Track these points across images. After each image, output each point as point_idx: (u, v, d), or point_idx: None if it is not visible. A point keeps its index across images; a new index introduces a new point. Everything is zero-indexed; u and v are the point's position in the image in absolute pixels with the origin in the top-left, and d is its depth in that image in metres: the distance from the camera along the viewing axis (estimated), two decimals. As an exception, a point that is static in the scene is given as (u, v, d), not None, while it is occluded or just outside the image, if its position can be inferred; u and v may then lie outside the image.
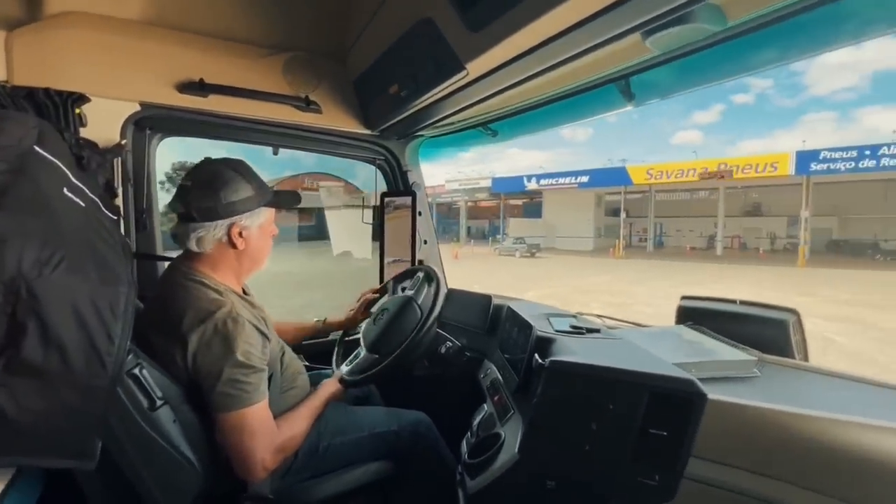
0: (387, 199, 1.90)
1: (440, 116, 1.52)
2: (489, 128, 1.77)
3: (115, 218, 1.09)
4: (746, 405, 0.75)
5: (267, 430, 0.97)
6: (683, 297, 1.26)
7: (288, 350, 1.24)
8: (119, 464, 0.83)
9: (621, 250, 24.41)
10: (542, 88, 1.36)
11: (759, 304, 1.13)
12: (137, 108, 1.37)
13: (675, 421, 0.77)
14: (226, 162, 1.05)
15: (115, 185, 1.34)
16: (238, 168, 1.05)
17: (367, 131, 1.76)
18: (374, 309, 1.50)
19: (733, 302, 1.17)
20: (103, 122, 1.33)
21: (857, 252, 23.45)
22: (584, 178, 25.66)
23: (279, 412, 1.09)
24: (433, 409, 1.42)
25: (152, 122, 1.42)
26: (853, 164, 18.42)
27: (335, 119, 1.69)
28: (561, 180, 26.87)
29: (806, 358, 1.05)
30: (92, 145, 1.15)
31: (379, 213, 1.92)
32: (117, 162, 1.35)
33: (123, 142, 1.34)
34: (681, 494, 0.75)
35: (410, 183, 1.90)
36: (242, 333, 0.95)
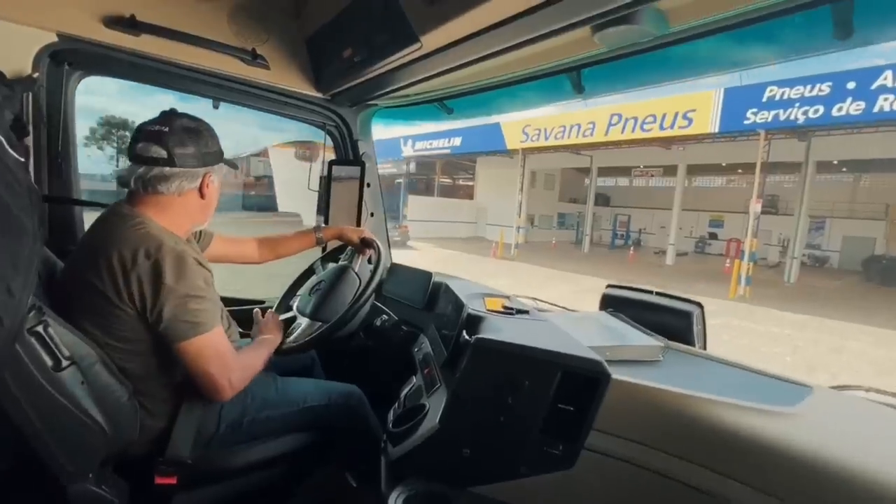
0: (334, 168, 1.85)
1: (394, 87, 1.48)
2: (445, 104, 1.76)
3: (22, 160, 0.99)
4: (645, 386, 0.83)
5: (228, 352, 1.01)
6: (608, 286, 1.35)
7: (227, 315, 1.21)
8: (18, 426, 0.78)
9: (510, 250, 17.93)
10: (498, 70, 1.37)
11: (670, 296, 1.24)
12: (54, 38, 1.22)
13: (581, 397, 0.84)
14: (194, 117, 1.07)
15: (26, 123, 1.21)
16: (207, 124, 1.09)
17: (319, 94, 1.69)
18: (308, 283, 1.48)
19: (650, 292, 1.28)
20: (13, 52, 1.18)
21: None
22: (458, 141, 19.55)
23: None
24: (370, 382, 1.44)
25: (72, 56, 1.28)
26: (823, 108, 10.05)
27: (284, 77, 1.61)
28: (434, 143, 20.75)
29: (705, 346, 1.17)
30: None
31: (326, 182, 1.87)
32: (27, 98, 1.22)
33: (35, 75, 1.20)
34: (580, 463, 0.83)
35: (360, 153, 1.86)
36: (191, 266, 0.97)
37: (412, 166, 26.37)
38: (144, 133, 1.00)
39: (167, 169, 1.00)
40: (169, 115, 1.04)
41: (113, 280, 0.92)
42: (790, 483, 0.67)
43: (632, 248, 21.95)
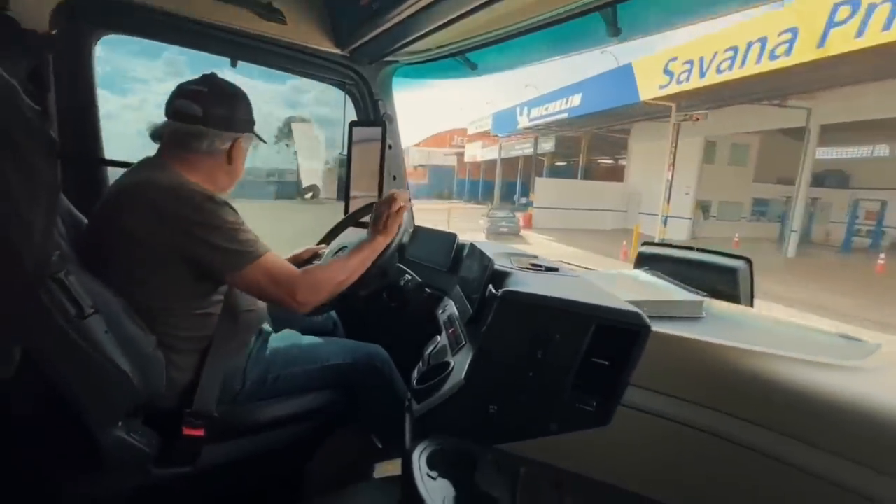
0: (355, 129, 1.80)
1: (414, 36, 1.40)
2: (468, 59, 1.67)
3: (38, 108, 0.98)
4: (687, 338, 0.76)
5: (288, 272, 1.00)
6: (644, 244, 1.26)
7: None
8: (44, 372, 0.79)
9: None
10: (523, 13, 1.27)
11: (713, 252, 1.14)
12: None
13: (618, 351, 0.78)
14: (233, 84, 1.09)
15: (47, 79, 1.20)
16: (244, 94, 1.11)
17: (337, 51, 1.63)
18: (332, 245, 1.47)
19: (691, 249, 1.18)
20: (29, 9, 1.17)
21: None
22: (576, 100, 14.42)
23: (236, 335, 1.07)
24: (392, 343, 1.42)
25: (88, 13, 1.26)
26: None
27: (301, 33, 1.55)
28: (549, 107, 15.97)
29: (751, 304, 1.08)
30: (8, 21, 1.01)
31: (347, 144, 1.82)
32: (48, 57, 1.21)
33: (53, 32, 1.18)
34: (617, 420, 0.78)
35: (381, 113, 1.80)
36: (228, 207, 0.99)
37: (550, 144, 21.31)
38: (184, 91, 1.03)
39: (201, 127, 1.02)
40: (210, 78, 1.06)
41: (150, 224, 0.92)
42: (863, 442, 0.59)
43: (882, 253, 12.40)
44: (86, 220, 1.12)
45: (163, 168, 1.01)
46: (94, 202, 1.31)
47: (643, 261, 1.23)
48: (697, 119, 12.25)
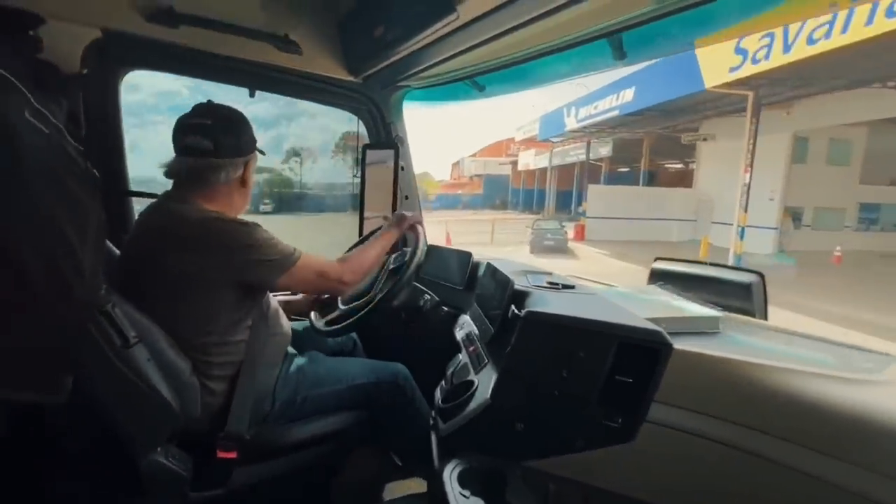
0: (369, 152, 1.85)
1: (427, 64, 1.46)
2: (476, 81, 1.73)
3: (82, 149, 1.03)
4: (708, 355, 0.79)
5: (328, 263, 1.16)
6: (657, 259, 1.30)
7: (274, 301, 1.24)
8: (91, 400, 0.82)
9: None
10: (533, 40, 1.32)
11: (726, 267, 1.18)
12: (99, 34, 1.26)
13: (641, 369, 0.81)
14: (229, 107, 1.12)
15: (80, 119, 1.26)
16: (243, 115, 1.14)
17: (350, 78, 1.69)
18: None
19: (703, 264, 1.22)
20: (62, 49, 1.23)
21: None
22: (629, 94, 12.04)
23: (264, 358, 1.11)
24: (412, 362, 1.45)
25: (116, 51, 1.32)
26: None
27: (316, 62, 1.60)
28: (599, 104, 13.61)
29: (766, 318, 1.10)
30: (51, 67, 1.07)
31: (360, 166, 1.87)
32: (80, 96, 1.27)
33: (84, 71, 1.24)
34: (642, 436, 0.80)
35: (394, 136, 1.85)
36: (257, 226, 1.06)
37: (607, 149, 20.02)
38: (190, 127, 1.06)
39: (215, 160, 1.06)
40: (209, 108, 1.09)
41: (194, 260, 0.99)
42: (883, 454, 0.62)
43: None
44: (116, 251, 1.17)
45: (185, 202, 1.06)
46: (120, 232, 1.36)
47: (656, 277, 1.26)
48: (788, 112, 10.05)
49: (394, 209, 1.80)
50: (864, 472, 0.62)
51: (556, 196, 27.91)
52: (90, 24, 1.25)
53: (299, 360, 1.25)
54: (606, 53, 1.32)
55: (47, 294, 0.70)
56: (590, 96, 14.34)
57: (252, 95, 1.58)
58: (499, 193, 38.14)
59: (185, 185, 1.08)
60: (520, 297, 1.04)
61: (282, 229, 1.20)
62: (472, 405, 0.95)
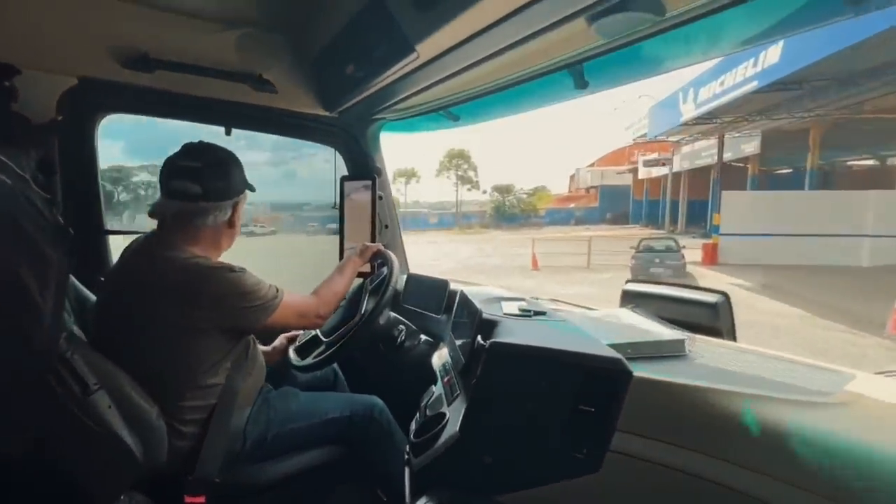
0: (347, 184, 1.88)
1: (397, 99, 1.50)
2: (450, 112, 1.77)
3: (48, 197, 1.05)
4: (669, 382, 0.79)
5: (305, 302, 1.18)
6: (628, 281, 1.31)
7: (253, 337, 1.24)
8: (49, 452, 0.81)
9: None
10: (498, 73, 1.36)
11: (692, 287, 1.19)
12: (74, 82, 1.30)
13: (603, 398, 0.81)
14: (217, 146, 1.13)
15: (54, 163, 1.28)
16: (233, 154, 1.15)
17: (326, 113, 1.73)
18: None
19: (673, 285, 1.23)
20: (37, 97, 1.26)
21: None
22: (774, 55, 7.90)
23: (239, 398, 1.10)
24: (392, 392, 1.44)
25: (92, 98, 1.35)
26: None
27: (291, 100, 1.65)
28: (725, 78, 9.68)
29: (734, 339, 1.11)
30: (21, 119, 1.09)
31: (339, 198, 1.90)
32: (53, 139, 1.29)
33: (59, 118, 1.27)
34: (607, 466, 0.80)
35: (371, 167, 1.88)
36: (244, 272, 1.07)
37: (753, 144, 14.82)
38: (179, 170, 1.05)
39: (203, 204, 1.06)
40: (199, 150, 1.09)
41: (180, 307, 0.99)
42: (836, 478, 0.62)
43: None
44: (89, 293, 1.17)
45: (172, 247, 1.05)
46: (96, 271, 1.36)
47: (627, 299, 1.27)
48: None
49: (373, 239, 1.82)
50: (824, 500, 0.61)
51: (686, 207, 22.82)
52: (66, 72, 1.29)
53: (271, 396, 1.23)
54: (569, 83, 1.37)
55: (4, 346, 0.70)
56: (713, 70, 10.04)
57: (228, 133, 1.61)
58: (618, 206, 33.77)
59: (171, 228, 1.08)
60: (488, 327, 1.04)
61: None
62: (443, 438, 0.94)
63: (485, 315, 1.08)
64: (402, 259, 2.00)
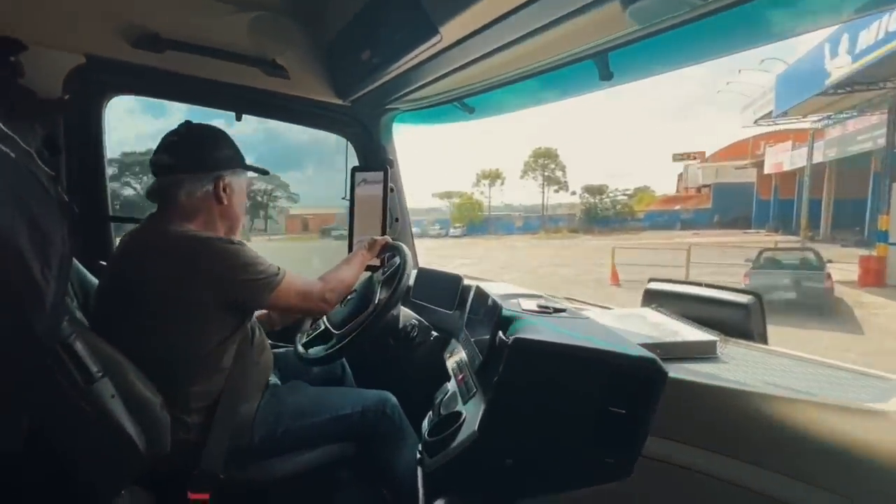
0: (358, 175, 1.83)
1: (414, 87, 1.46)
2: (465, 104, 1.72)
3: (53, 174, 1.01)
4: (706, 384, 0.75)
5: (310, 283, 1.12)
6: (650, 280, 1.26)
7: (256, 322, 1.20)
8: (49, 443, 0.77)
9: None
10: (520, 61, 1.32)
11: (722, 288, 1.14)
12: (82, 60, 1.25)
13: (635, 399, 0.76)
14: (210, 126, 1.10)
15: (59, 142, 1.24)
16: (221, 132, 1.11)
17: (339, 101, 1.68)
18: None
19: (699, 285, 1.18)
20: (44, 74, 1.21)
21: None
22: None
23: (246, 389, 1.06)
24: (402, 388, 1.40)
25: (99, 77, 1.31)
26: None
27: (304, 86, 1.60)
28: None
29: (765, 340, 1.06)
30: (28, 93, 1.05)
31: (350, 189, 1.85)
32: (60, 118, 1.25)
33: (66, 97, 1.23)
34: (638, 472, 0.75)
35: (383, 158, 1.84)
36: (243, 244, 1.04)
37: None
38: (160, 146, 1.06)
39: (179, 176, 1.04)
40: (184, 126, 1.08)
41: (180, 278, 0.96)
42: (888, 492, 0.57)
43: None
44: (93, 279, 1.13)
45: (167, 223, 1.03)
46: (99, 257, 1.32)
47: (650, 298, 1.22)
48: None
49: (383, 231, 1.77)
50: None
51: (832, 207, 17.55)
52: (74, 50, 1.25)
53: (280, 390, 1.19)
54: (593, 74, 1.32)
55: (4, 329, 0.66)
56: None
57: (238, 119, 1.57)
58: (735, 207, 27.68)
59: (161, 205, 1.07)
60: (508, 323, 0.99)
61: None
62: (460, 438, 0.90)
63: (505, 311, 1.04)
64: (412, 254, 1.95)
